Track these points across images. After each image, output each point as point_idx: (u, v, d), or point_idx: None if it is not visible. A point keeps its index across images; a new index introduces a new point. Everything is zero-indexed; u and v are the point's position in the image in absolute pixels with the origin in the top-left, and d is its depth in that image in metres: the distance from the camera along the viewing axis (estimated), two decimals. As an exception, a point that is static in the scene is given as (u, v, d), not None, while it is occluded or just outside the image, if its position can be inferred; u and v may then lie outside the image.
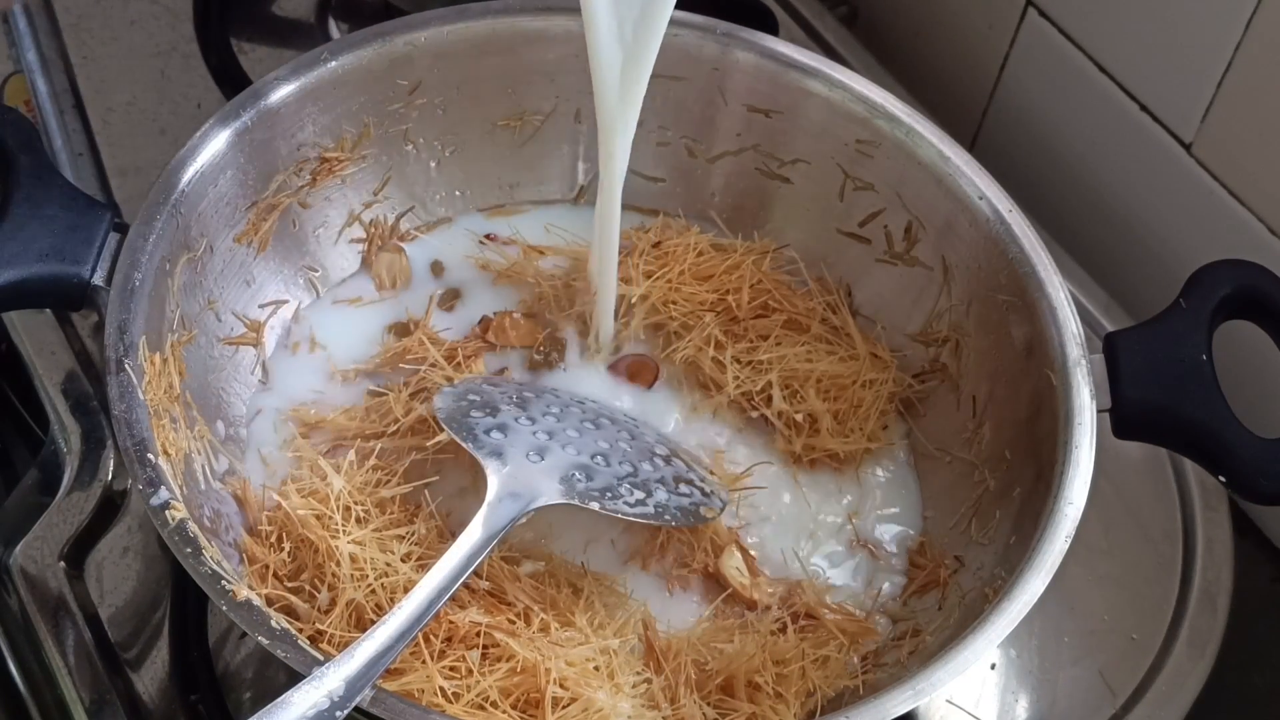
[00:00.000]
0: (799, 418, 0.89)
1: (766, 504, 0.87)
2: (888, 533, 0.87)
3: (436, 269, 0.94)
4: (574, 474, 0.79)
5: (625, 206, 0.96)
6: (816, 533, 0.86)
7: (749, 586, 0.83)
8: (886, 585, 0.85)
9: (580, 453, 0.81)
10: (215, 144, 0.84)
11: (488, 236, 0.96)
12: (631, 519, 0.79)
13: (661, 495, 0.81)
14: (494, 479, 0.77)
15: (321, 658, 0.68)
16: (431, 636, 0.75)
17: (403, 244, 0.94)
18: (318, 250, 0.93)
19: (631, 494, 0.80)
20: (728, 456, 0.88)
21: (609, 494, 0.79)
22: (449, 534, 0.81)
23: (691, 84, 0.94)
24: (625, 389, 0.90)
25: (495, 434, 0.80)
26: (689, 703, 0.78)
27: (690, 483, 0.84)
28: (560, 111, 0.96)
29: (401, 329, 0.91)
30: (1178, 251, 1.01)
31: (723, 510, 0.84)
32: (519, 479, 0.78)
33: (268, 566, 0.78)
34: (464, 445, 0.79)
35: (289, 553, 0.79)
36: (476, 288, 0.94)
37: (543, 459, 0.79)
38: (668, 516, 0.80)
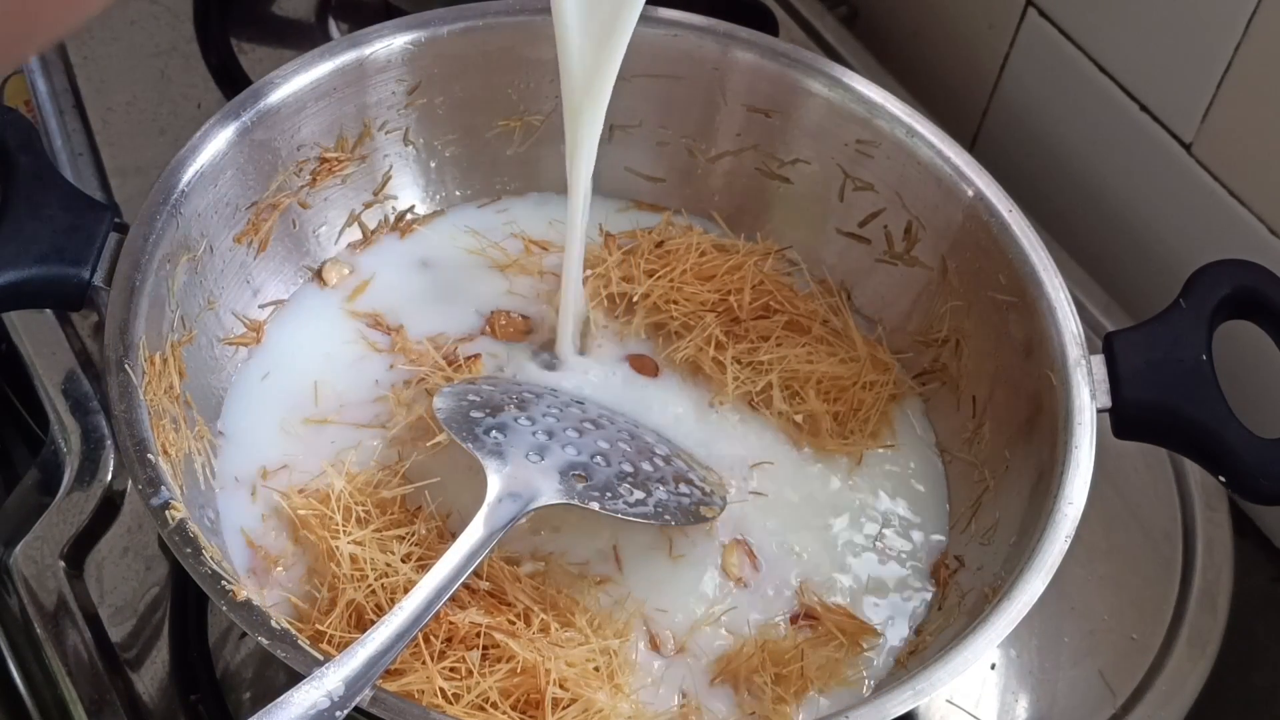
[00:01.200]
0: (799, 419, 0.89)
1: (773, 502, 0.86)
2: (904, 534, 0.87)
3: (433, 263, 0.94)
4: (574, 474, 0.79)
5: (628, 202, 0.97)
6: (825, 531, 0.86)
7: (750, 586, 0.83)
8: (903, 588, 0.85)
9: (580, 453, 0.81)
10: (215, 144, 0.84)
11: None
12: (631, 519, 0.79)
13: (661, 495, 0.81)
14: (494, 479, 0.77)
15: (321, 658, 0.68)
16: (431, 637, 0.75)
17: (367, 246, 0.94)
18: (318, 250, 0.93)
19: (631, 493, 0.80)
20: (736, 452, 0.88)
21: (609, 494, 0.79)
22: (449, 534, 0.81)
23: (691, 84, 0.94)
24: (630, 382, 0.90)
25: (495, 434, 0.80)
26: (694, 694, 0.78)
27: (690, 482, 0.84)
28: (560, 111, 0.95)
29: (373, 318, 0.91)
30: (1178, 251, 1.01)
31: (723, 510, 0.84)
32: (519, 479, 0.78)
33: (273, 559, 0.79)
34: (464, 445, 0.79)
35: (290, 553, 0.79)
36: (474, 282, 0.94)
37: (543, 459, 0.80)
38: (667, 516, 0.80)
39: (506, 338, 0.91)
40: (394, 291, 0.93)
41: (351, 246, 0.94)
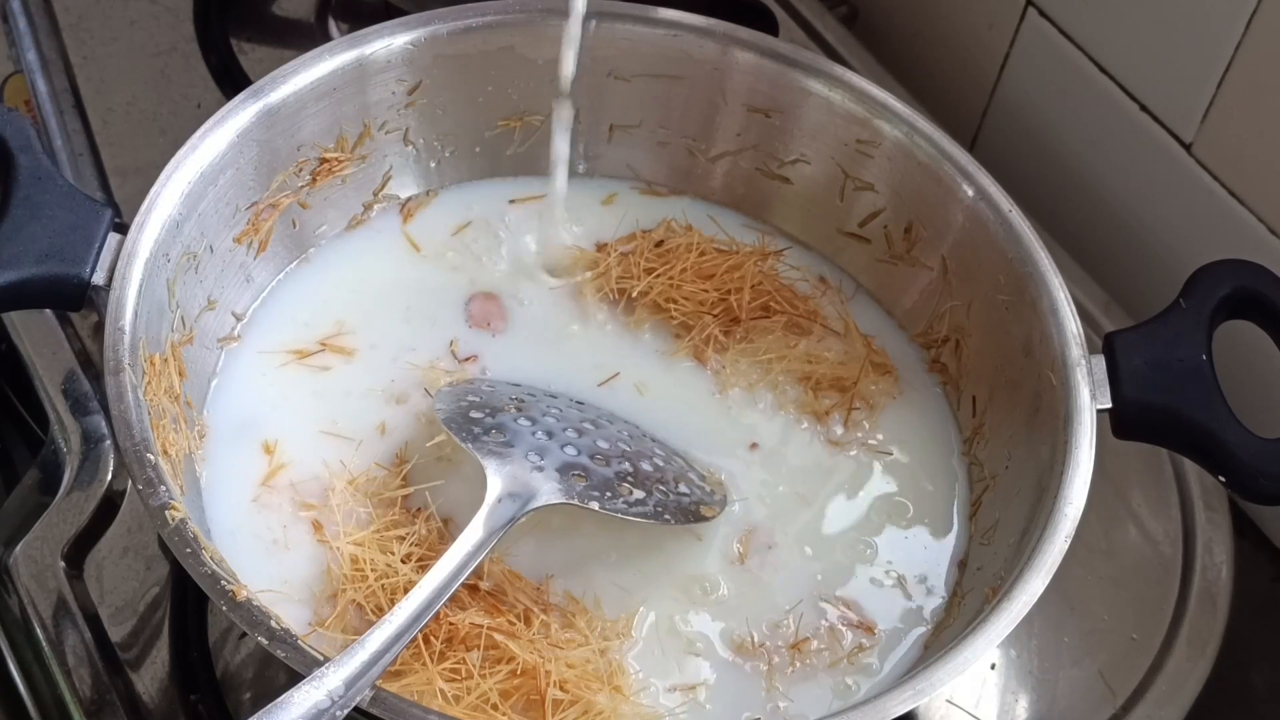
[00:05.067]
0: (800, 413, 0.89)
1: (778, 496, 0.86)
2: (911, 533, 0.87)
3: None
4: (573, 473, 0.79)
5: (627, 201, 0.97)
6: (832, 526, 0.86)
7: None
8: (911, 588, 0.85)
9: (580, 453, 0.81)
10: (215, 144, 0.84)
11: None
12: (631, 518, 0.79)
13: (661, 494, 0.81)
14: (494, 479, 0.77)
15: (321, 658, 0.68)
16: (432, 638, 0.75)
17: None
18: (318, 251, 0.93)
19: (631, 493, 0.80)
20: (741, 444, 0.88)
21: (609, 493, 0.79)
22: (449, 535, 0.81)
23: (691, 84, 0.94)
24: (648, 362, 0.90)
25: (495, 434, 0.80)
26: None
27: (690, 481, 0.84)
28: (560, 111, 0.96)
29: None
30: (1178, 251, 1.01)
31: (723, 509, 0.84)
32: (518, 479, 0.78)
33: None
34: (463, 446, 0.79)
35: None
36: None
37: (542, 459, 0.80)
38: (667, 516, 0.80)
39: (483, 327, 0.91)
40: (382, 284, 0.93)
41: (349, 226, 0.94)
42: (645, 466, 0.82)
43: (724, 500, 0.84)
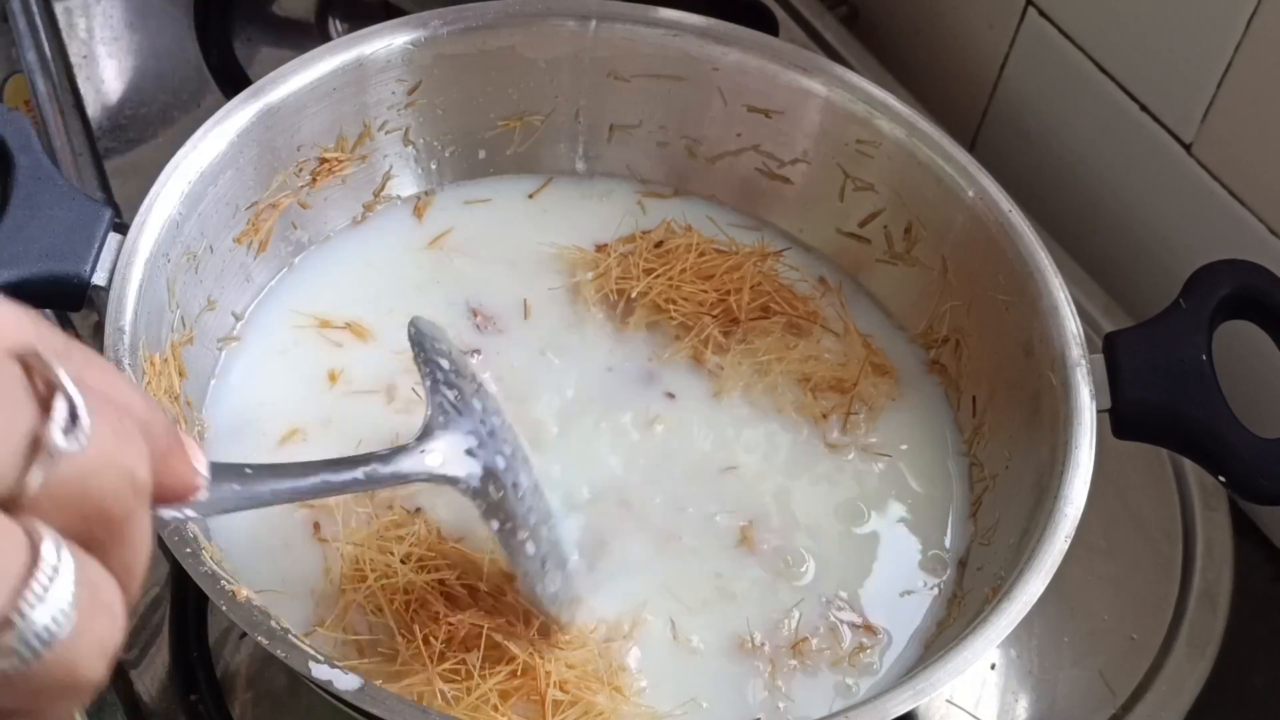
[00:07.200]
0: (801, 414, 0.89)
1: (778, 497, 0.86)
2: (911, 533, 0.86)
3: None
4: (491, 483, 0.72)
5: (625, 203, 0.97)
6: (832, 527, 0.86)
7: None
8: (911, 588, 0.84)
9: (507, 469, 0.73)
10: (215, 144, 0.84)
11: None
12: (505, 555, 0.74)
13: (538, 565, 0.74)
14: (435, 432, 0.71)
15: (321, 657, 0.68)
16: (431, 639, 0.75)
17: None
18: (318, 251, 0.93)
19: (521, 534, 0.73)
20: (742, 444, 0.88)
21: (508, 524, 0.72)
22: (448, 535, 0.81)
23: (691, 84, 0.94)
24: (644, 363, 0.90)
25: (449, 391, 0.73)
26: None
27: (563, 571, 0.77)
28: (560, 111, 0.96)
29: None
30: (1178, 251, 1.01)
31: (563, 626, 0.78)
32: (450, 451, 0.71)
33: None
34: (419, 372, 0.73)
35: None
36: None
37: (479, 447, 0.72)
38: (537, 588, 0.74)
39: (482, 327, 0.91)
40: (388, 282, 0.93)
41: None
42: (543, 530, 0.75)
43: (570, 620, 0.78)
